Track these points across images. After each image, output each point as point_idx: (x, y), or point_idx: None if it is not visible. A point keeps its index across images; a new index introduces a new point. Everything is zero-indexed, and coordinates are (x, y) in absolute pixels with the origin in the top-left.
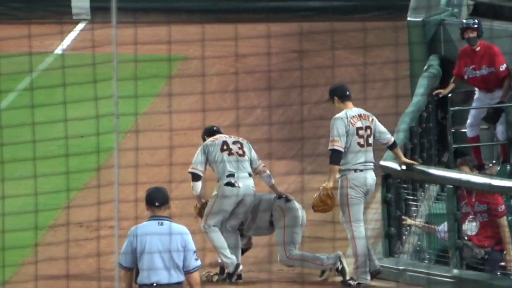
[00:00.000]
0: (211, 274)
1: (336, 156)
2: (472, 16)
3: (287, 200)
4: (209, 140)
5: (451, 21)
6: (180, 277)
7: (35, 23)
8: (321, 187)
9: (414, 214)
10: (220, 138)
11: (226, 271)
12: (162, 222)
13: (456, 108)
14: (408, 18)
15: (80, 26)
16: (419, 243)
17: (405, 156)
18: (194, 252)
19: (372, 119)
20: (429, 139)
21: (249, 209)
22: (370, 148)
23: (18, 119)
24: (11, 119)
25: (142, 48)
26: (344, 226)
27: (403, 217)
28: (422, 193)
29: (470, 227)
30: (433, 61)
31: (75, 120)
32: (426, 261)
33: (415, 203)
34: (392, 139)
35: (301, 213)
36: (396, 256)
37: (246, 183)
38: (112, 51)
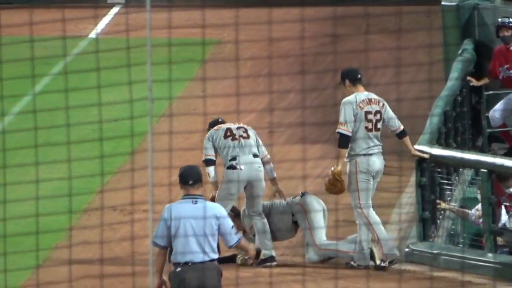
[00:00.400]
0: (246, 257)
1: (343, 140)
2: (507, 2)
3: (302, 194)
4: (212, 129)
5: (485, 5)
6: (214, 255)
7: (69, 7)
8: (329, 171)
9: (448, 198)
10: (223, 126)
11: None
12: (196, 201)
13: (491, 92)
14: (443, 3)
15: (114, 10)
16: (453, 227)
17: (439, 140)
18: (232, 227)
19: (383, 104)
20: (463, 124)
21: (260, 191)
22: (378, 133)
23: (52, 103)
24: (45, 103)
25: (176, 32)
26: (354, 212)
27: (438, 201)
28: (456, 177)
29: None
30: (467, 45)
31: (109, 104)
32: (461, 245)
33: (449, 187)
34: (402, 127)
35: (321, 203)
36: (430, 240)
37: (249, 164)
38: (146, 35)
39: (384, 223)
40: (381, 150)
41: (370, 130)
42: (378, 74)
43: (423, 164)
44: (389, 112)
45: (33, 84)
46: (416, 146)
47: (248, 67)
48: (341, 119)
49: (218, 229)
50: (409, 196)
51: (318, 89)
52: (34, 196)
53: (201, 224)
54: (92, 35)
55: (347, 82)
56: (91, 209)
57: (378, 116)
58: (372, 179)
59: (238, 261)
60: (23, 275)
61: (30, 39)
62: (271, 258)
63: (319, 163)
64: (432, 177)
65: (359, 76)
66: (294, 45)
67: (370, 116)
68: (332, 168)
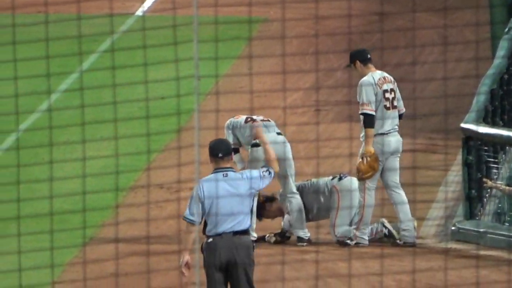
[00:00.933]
0: (271, 234)
1: (369, 120)
2: None
3: (340, 178)
4: (232, 118)
5: None
6: (247, 224)
7: None
8: (361, 154)
9: (495, 177)
10: (242, 116)
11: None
12: (226, 174)
13: None
14: None
15: None
16: (500, 205)
17: (486, 119)
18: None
19: (394, 82)
20: (510, 102)
21: (290, 169)
22: (396, 112)
23: (99, 80)
24: (92, 81)
25: (222, 10)
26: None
27: (484, 179)
28: (503, 156)
29: None
30: None
31: (155, 82)
32: (507, 224)
33: (496, 165)
34: (404, 110)
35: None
36: (477, 218)
37: (273, 143)
38: (193, 13)
39: (430, 201)
40: (397, 129)
41: (388, 108)
42: (425, 52)
43: (469, 142)
44: (398, 91)
45: (80, 61)
46: (463, 125)
47: (295, 45)
48: (364, 99)
49: (252, 188)
50: (455, 175)
51: None
52: (81, 174)
53: (233, 191)
54: (139, 13)
55: (358, 63)
56: (138, 186)
57: (393, 94)
58: (386, 160)
59: (271, 240)
60: (70, 253)
61: (78, 16)
62: (302, 239)
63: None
64: (479, 156)
65: (369, 56)
66: (341, 23)
67: (387, 95)
68: (363, 151)
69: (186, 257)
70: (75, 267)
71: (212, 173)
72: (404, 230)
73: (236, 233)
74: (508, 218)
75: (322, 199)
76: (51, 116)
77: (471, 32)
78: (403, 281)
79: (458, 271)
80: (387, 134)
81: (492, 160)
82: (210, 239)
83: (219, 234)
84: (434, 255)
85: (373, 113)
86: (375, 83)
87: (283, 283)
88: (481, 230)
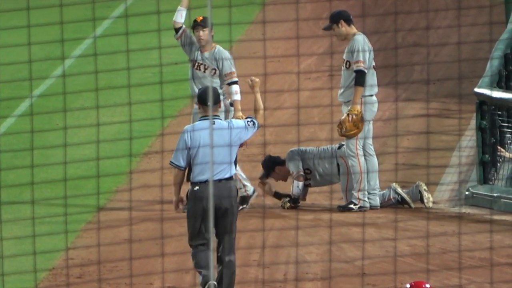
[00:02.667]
0: (285, 200)
1: (363, 77)
2: None
3: (339, 147)
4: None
5: None
6: (232, 172)
7: None
8: (349, 111)
9: (509, 141)
10: None
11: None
12: (213, 122)
13: None
14: None
15: None
16: None
17: (500, 83)
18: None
19: None
20: None
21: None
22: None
23: (113, 46)
24: (106, 47)
25: None
26: (348, 160)
27: (499, 148)
28: None
29: None
30: None
31: (169, 47)
32: None
33: (510, 130)
34: None
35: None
36: (490, 183)
37: None
38: None
39: (444, 166)
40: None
41: (375, 68)
42: (439, 17)
43: (483, 107)
44: None
45: (94, 27)
46: (476, 89)
47: (308, 10)
48: (360, 57)
49: (238, 138)
50: (469, 139)
51: (379, 33)
52: (95, 140)
53: (219, 138)
54: None
55: (342, 23)
56: (151, 152)
57: (373, 55)
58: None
59: (285, 205)
60: (84, 219)
61: None
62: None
63: (379, 106)
64: (493, 120)
65: (351, 16)
66: None
67: (372, 55)
68: (351, 108)
69: (174, 198)
70: (89, 233)
71: (199, 121)
72: (370, 194)
73: (221, 180)
74: None
75: (326, 165)
76: (65, 82)
77: None
78: (417, 246)
79: (472, 236)
80: (373, 96)
81: (506, 124)
82: (197, 187)
83: (205, 181)
84: (448, 220)
85: (366, 70)
86: (368, 43)
87: (297, 249)
88: (495, 194)
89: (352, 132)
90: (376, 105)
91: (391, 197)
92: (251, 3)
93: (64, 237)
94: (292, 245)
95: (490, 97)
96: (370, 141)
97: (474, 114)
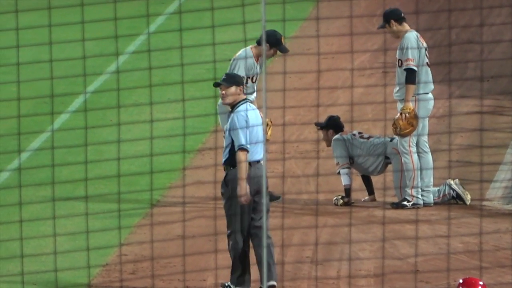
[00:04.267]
0: (339, 197)
1: (413, 76)
2: None
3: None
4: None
5: None
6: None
7: None
8: (401, 110)
9: None
10: None
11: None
12: (251, 104)
13: None
14: None
15: None
16: None
17: None
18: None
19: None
20: None
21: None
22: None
23: (167, 42)
24: (160, 43)
25: None
26: (402, 158)
27: None
28: None
29: None
30: None
31: (223, 43)
32: None
33: None
34: None
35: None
36: None
37: None
38: None
39: (498, 163)
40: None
41: (429, 65)
42: (493, 14)
43: None
44: None
45: (148, 23)
46: None
47: (363, 7)
48: (409, 55)
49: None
50: None
51: (433, 29)
52: (149, 136)
53: (260, 119)
54: None
55: (392, 22)
56: (205, 148)
57: (427, 52)
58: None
59: (338, 202)
60: (138, 215)
61: None
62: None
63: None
64: None
65: (402, 14)
66: None
67: (426, 52)
68: (404, 107)
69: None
70: (142, 229)
71: (242, 103)
72: (424, 191)
73: (259, 161)
74: None
75: (371, 160)
76: (119, 78)
77: None
78: (470, 243)
79: None
80: (429, 93)
81: None
82: (251, 168)
83: (258, 161)
84: (501, 217)
85: (417, 69)
86: (419, 38)
87: (350, 245)
88: None
89: (407, 130)
90: (431, 102)
91: (446, 192)
92: (305, 0)
93: (118, 233)
94: (345, 242)
95: None
96: (425, 138)
97: None
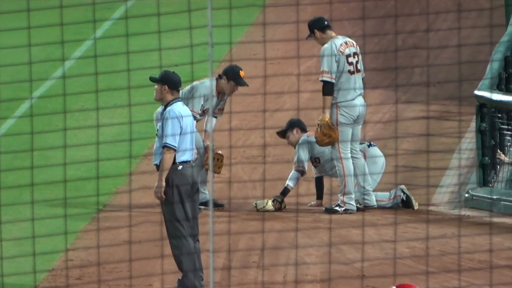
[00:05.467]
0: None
1: (328, 88)
2: None
3: (370, 145)
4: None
5: None
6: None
7: None
8: (318, 121)
9: (509, 144)
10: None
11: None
12: (183, 103)
13: None
14: None
15: None
16: None
17: (500, 86)
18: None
19: (357, 45)
20: None
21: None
22: (360, 75)
23: (113, 48)
24: (106, 48)
25: None
26: (335, 163)
27: (498, 151)
28: None
29: None
30: None
31: (169, 49)
32: None
33: (509, 132)
34: (364, 74)
35: (383, 159)
36: (490, 185)
37: None
38: None
39: (444, 168)
40: (362, 93)
41: (353, 73)
42: (439, 19)
43: (483, 109)
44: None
45: (94, 28)
46: (476, 92)
47: (309, 12)
48: (324, 67)
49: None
50: (469, 142)
51: (379, 35)
52: (95, 141)
53: (190, 122)
54: None
55: (316, 32)
56: (151, 154)
57: (356, 58)
58: (353, 123)
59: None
60: (83, 220)
61: None
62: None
63: (379, 108)
64: (492, 123)
65: (326, 22)
66: None
67: (350, 59)
68: (320, 117)
69: (162, 182)
70: (89, 234)
71: (175, 102)
72: (364, 194)
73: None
74: None
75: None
76: (65, 83)
77: (486, 0)
78: (417, 248)
79: (472, 238)
80: (353, 99)
81: (506, 127)
82: (181, 166)
83: (187, 162)
84: (447, 222)
85: (333, 81)
86: (337, 49)
87: (296, 251)
88: (494, 197)
89: (324, 142)
90: (355, 109)
91: (397, 194)
92: (252, 5)
93: (64, 238)
94: (291, 247)
95: (490, 100)
96: (352, 144)
97: (474, 117)
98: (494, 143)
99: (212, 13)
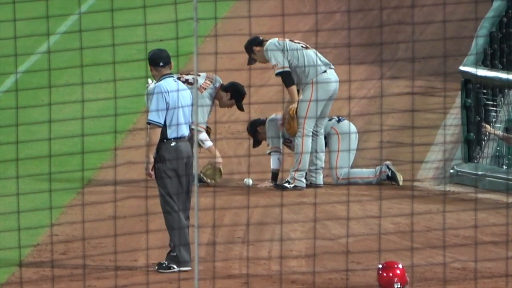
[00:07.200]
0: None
1: (287, 78)
2: None
3: (339, 120)
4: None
5: None
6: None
7: None
8: (285, 110)
9: (493, 120)
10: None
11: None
12: (174, 79)
13: None
14: None
15: None
16: (498, 148)
17: (485, 62)
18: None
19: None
20: (509, 45)
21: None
22: (314, 50)
23: (98, 23)
24: (90, 23)
25: None
26: (297, 139)
27: (483, 124)
28: (502, 99)
29: None
30: None
31: (154, 24)
32: (505, 167)
33: (495, 108)
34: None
35: (354, 135)
36: (475, 161)
37: None
38: None
39: (429, 144)
40: (334, 68)
41: (306, 48)
42: None
43: (468, 85)
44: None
45: (79, 3)
46: (462, 67)
47: None
48: (272, 61)
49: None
50: (454, 118)
51: (364, 10)
52: (80, 116)
53: (185, 96)
54: None
55: (255, 49)
56: (136, 129)
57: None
58: (327, 103)
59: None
60: (68, 195)
61: None
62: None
63: (364, 84)
64: (478, 98)
65: (260, 38)
66: None
67: (295, 41)
68: (290, 107)
69: (151, 158)
70: (74, 209)
71: (163, 78)
72: (313, 171)
73: (186, 136)
74: (507, 161)
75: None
76: (50, 58)
77: None
78: (402, 223)
79: (457, 214)
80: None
81: (491, 103)
82: (174, 143)
83: (180, 138)
84: (432, 198)
85: (287, 69)
86: (277, 41)
87: (281, 226)
88: (480, 173)
89: (289, 130)
90: (331, 84)
91: (383, 170)
92: None
93: (49, 213)
94: (276, 223)
95: (475, 76)
96: (318, 121)
97: (459, 92)
98: (479, 119)
99: None
